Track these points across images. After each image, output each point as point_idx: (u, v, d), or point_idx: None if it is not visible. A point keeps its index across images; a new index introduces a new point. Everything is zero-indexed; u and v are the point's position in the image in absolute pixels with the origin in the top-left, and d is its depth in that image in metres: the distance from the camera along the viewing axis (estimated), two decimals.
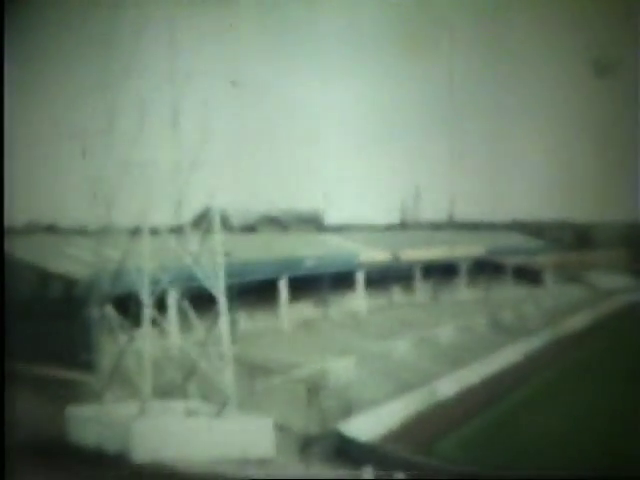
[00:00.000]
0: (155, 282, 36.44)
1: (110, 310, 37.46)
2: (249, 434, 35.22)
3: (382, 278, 78.65)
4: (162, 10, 36.14)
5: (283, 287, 61.58)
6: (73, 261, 48.33)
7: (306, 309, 66.75)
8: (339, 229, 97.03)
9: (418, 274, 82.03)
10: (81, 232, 52.98)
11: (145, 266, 36.01)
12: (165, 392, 37.65)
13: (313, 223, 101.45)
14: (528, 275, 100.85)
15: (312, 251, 68.48)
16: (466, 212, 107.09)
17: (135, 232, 36.30)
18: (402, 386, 48.63)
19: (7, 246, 43.63)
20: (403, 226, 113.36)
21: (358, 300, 72.34)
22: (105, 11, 36.45)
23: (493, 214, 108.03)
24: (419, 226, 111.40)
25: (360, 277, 72.26)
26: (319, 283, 67.49)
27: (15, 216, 40.98)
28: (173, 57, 36.03)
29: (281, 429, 37.61)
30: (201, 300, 37.26)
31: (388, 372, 52.51)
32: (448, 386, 50.42)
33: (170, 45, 35.98)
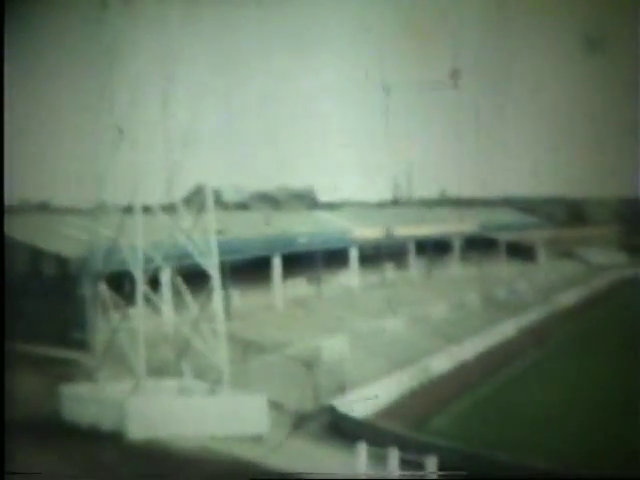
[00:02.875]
0: (148, 260, 36.41)
1: (103, 288, 37.44)
2: (243, 411, 35.29)
3: (375, 255, 78.70)
4: None
5: (277, 264, 61.58)
6: (66, 240, 48.26)
7: (299, 286, 66.75)
8: (332, 206, 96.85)
9: (411, 251, 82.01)
10: (73, 211, 52.93)
11: (138, 244, 35.97)
12: (159, 370, 37.71)
13: (306, 200, 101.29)
14: (521, 251, 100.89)
15: (305, 228, 68.45)
16: (459, 189, 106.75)
17: (127, 210, 36.24)
18: (396, 362, 48.70)
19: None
20: (396, 203, 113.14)
21: (351, 277, 72.38)
22: None
23: (485, 190, 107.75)
24: (412, 203, 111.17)
25: (353, 254, 72.30)
26: (312, 260, 67.51)
27: (7, 195, 40.84)
28: (164, 36, 35.88)
29: (275, 406, 37.70)
30: (194, 278, 37.26)
31: (382, 349, 52.59)
32: (442, 362, 50.54)
33: (161, 24, 35.82)
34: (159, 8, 35.69)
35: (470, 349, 54.79)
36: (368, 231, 75.55)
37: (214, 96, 37.90)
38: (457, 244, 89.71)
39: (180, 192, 37.82)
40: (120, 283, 37.41)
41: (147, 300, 36.87)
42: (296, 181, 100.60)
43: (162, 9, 35.70)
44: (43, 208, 70.19)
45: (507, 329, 63.11)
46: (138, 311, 36.16)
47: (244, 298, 58.50)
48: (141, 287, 35.97)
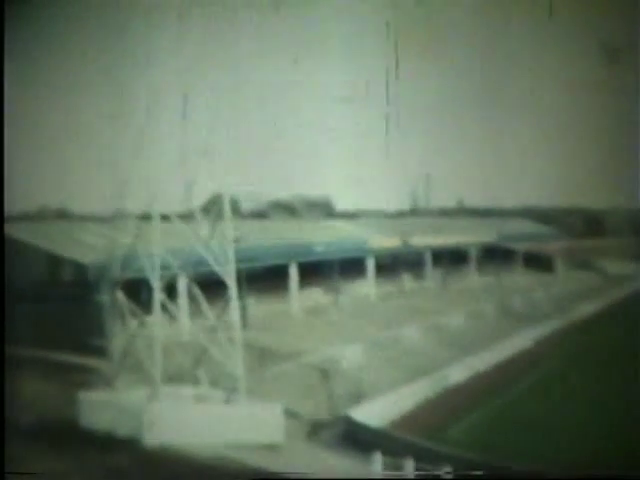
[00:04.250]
0: (165, 267, 36.51)
1: (121, 295, 37.56)
2: (258, 419, 35.33)
3: (392, 265, 78.73)
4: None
5: (293, 273, 61.66)
6: (84, 247, 48.49)
7: (316, 295, 66.82)
8: (349, 215, 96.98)
9: (428, 261, 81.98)
10: (92, 218, 53.20)
11: (155, 252, 36.07)
12: (175, 377, 37.79)
13: (323, 209, 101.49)
14: (538, 262, 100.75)
15: (322, 237, 68.49)
16: (476, 199, 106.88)
17: (145, 218, 36.37)
18: (412, 372, 48.63)
19: (19, 232, 43.79)
20: (413, 213, 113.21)
21: (368, 286, 72.39)
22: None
23: (503, 201, 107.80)
24: (429, 213, 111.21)
25: (370, 263, 72.31)
26: (329, 269, 67.59)
27: (26, 202, 41.12)
28: (182, 44, 36.03)
29: (290, 415, 37.72)
30: (211, 286, 37.35)
31: (398, 358, 52.56)
32: (458, 372, 50.42)
33: (179, 32, 35.98)
34: (179, 19, 35.85)
35: (486, 359, 54.65)
36: (385, 240, 75.54)
37: (232, 105, 37.98)
38: (474, 254, 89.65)
39: (198, 200, 37.96)
40: (137, 290, 37.53)
41: (164, 308, 36.96)
42: (313, 190, 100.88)
43: (182, 21, 35.86)
44: (61, 215, 70.58)
45: (524, 339, 62.92)
46: (155, 318, 36.26)
47: (261, 306, 58.57)
48: (158, 295, 36.08)
